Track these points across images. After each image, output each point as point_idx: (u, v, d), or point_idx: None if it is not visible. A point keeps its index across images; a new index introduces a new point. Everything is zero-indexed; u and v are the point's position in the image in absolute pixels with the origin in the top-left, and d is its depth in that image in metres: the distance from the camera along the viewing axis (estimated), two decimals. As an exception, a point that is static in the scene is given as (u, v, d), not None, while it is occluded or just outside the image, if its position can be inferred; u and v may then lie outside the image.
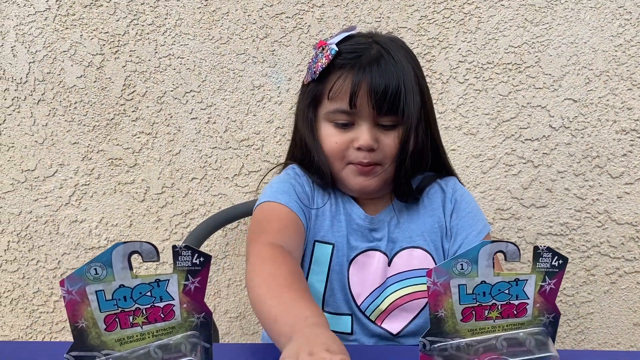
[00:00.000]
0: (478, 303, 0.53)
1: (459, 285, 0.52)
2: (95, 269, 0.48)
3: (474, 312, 0.53)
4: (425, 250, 0.90)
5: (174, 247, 0.48)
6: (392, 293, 0.88)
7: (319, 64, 0.86)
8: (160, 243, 1.39)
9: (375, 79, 0.82)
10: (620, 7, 1.28)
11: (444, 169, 0.97)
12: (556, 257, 0.52)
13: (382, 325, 0.88)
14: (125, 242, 0.47)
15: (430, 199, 0.93)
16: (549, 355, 0.52)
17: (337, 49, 0.85)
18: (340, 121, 0.85)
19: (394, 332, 0.88)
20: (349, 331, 0.87)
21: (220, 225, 1.24)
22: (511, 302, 0.53)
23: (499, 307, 0.53)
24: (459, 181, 0.99)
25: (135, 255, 0.48)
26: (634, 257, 1.38)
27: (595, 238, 1.38)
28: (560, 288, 1.40)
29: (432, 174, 0.96)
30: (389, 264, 0.89)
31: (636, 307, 1.41)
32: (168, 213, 1.38)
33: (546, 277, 0.53)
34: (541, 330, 0.54)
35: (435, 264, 0.87)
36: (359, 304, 0.88)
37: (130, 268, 0.48)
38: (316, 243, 0.89)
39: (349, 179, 0.88)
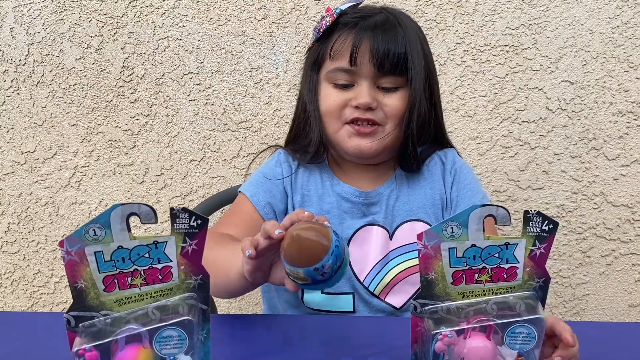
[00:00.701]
0: (468, 266, 0.53)
1: (449, 248, 0.53)
2: (94, 230, 0.49)
3: (464, 276, 0.54)
4: (427, 223, 0.90)
5: (171, 209, 0.49)
6: (395, 267, 0.88)
7: (324, 22, 0.86)
8: (159, 225, 1.40)
9: (378, 37, 0.82)
10: (617, -12, 1.28)
11: (443, 142, 0.97)
12: (546, 222, 0.53)
13: (385, 300, 0.88)
14: (123, 204, 0.48)
15: (430, 170, 0.93)
16: (536, 318, 0.53)
17: (342, 9, 0.85)
18: (340, 81, 0.85)
19: (398, 305, 0.88)
20: (351, 309, 0.88)
21: (218, 206, 1.25)
22: (501, 265, 0.54)
23: (489, 270, 0.54)
24: (458, 154, 0.99)
25: (133, 217, 0.49)
26: (630, 239, 1.39)
27: (591, 220, 1.39)
28: (556, 269, 1.41)
29: (430, 146, 0.96)
30: (391, 237, 0.89)
31: (631, 288, 1.42)
32: (167, 195, 1.39)
33: (536, 241, 0.54)
34: (531, 294, 0.55)
35: None
36: (361, 280, 0.88)
37: (129, 230, 0.49)
38: None
39: (345, 141, 0.86)
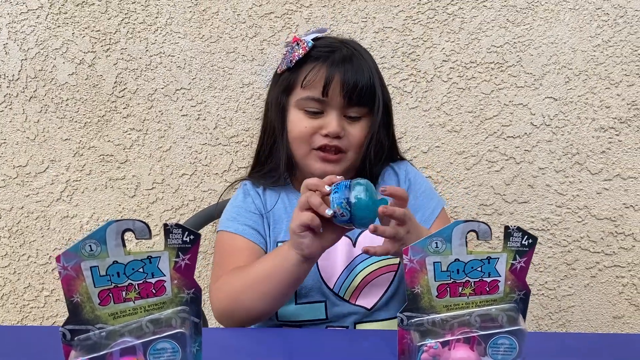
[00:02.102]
0: (452, 280, 0.56)
1: (434, 262, 0.55)
2: (90, 246, 0.50)
3: (448, 289, 0.56)
4: None
5: (165, 225, 0.51)
6: (361, 271, 0.92)
7: (296, 54, 0.92)
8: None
9: (348, 73, 0.89)
10: (598, 8, 1.32)
11: (396, 157, 1.03)
12: (526, 237, 0.56)
13: (356, 303, 0.92)
14: (118, 220, 0.50)
15: (385, 182, 0.99)
16: (518, 329, 0.55)
17: (313, 42, 0.92)
18: (311, 109, 0.91)
19: (369, 307, 0.92)
20: (324, 317, 0.91)
21: (209, 219, 1.26)
22: (484, 279, 0.56)
23: (472, 284, 0.56)
24: (411, 164, 1.05)
25: (128, 233, 0.51)
26: (613, 252, 1.42)
27: (576, 233, 1.42)
28: (542, 282, 1.44)
29: (385, 162, 1.02)
30: (354, 244, 0.94)
31: (615, 300, 1.45)
32: (158, 209, 1.41)
33: (517, 255, 0.56)
34: (512, 307, 0.57)
35: None
36: (331, 287, 0.92)
37: (124, 245, 0.51)
38: (278, 244, 0.94)
39: (312, 165, 0.92)
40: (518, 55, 1.34)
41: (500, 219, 1.42)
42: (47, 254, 1.44)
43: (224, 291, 0.84)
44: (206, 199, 1.40)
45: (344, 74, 0.89)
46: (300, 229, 0.74)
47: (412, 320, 0.56)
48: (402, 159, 1.04)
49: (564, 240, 1.42)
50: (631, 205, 1.39)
